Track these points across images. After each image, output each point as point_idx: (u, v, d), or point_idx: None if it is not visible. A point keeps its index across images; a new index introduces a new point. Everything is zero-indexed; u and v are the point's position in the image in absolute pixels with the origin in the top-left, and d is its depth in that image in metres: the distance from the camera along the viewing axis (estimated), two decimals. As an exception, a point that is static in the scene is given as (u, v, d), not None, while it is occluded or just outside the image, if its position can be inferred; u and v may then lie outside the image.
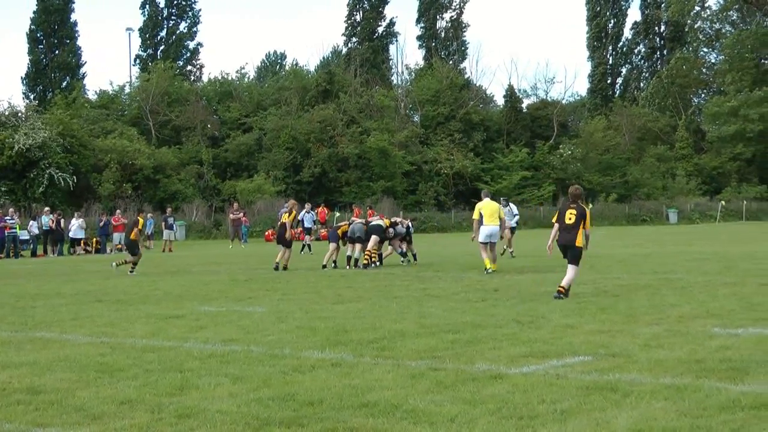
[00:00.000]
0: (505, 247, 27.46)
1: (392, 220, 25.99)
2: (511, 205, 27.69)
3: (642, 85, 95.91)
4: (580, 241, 15.66)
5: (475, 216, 21.89)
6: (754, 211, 69.40)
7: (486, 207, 21.88)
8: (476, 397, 7.56)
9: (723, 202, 68.35)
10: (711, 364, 8.79)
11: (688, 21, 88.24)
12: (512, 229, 27.54)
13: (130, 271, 23.99)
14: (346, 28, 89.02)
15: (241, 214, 46.41)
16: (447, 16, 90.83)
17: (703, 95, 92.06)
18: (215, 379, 8.57)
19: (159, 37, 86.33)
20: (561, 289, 15.30)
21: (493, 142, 74.75)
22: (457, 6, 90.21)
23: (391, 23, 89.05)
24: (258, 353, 10.03)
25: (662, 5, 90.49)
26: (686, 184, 74.34)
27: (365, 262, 24.24)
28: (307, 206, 38.15)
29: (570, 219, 15.75)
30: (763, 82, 78.26)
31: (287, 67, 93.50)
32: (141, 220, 25.46)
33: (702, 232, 47.55)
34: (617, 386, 7.83)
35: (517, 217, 29.76)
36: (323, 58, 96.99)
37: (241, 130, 69.01)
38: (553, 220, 16.35)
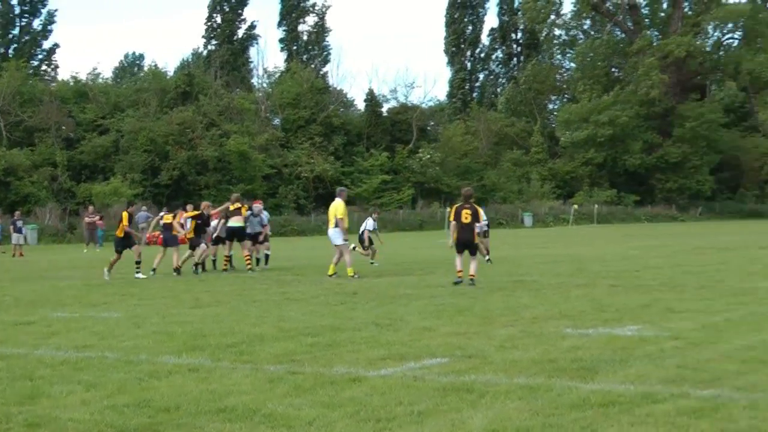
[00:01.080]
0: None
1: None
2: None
3: (499, 90, 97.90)
4: (476, 237, 18.56)
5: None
6: (604, 214, 71.63)
7: (330, 208, 21.61)
8: (334, 400, 7.57)
9: (576, 206, 70.25)
10: (563, 364, 9.03)
11: (544, 29, 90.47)
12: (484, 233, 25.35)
13: None
14: (206, 30, 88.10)
15: (97, 218, 45.30)
16: (309, 20, 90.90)
17: (557, 101, 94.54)
18: (68, 386, 8.34)
19: (11, 36, 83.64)
20: (472, 276, 17.86)
21: (353, 145, 75.00)
22: (319, 10, 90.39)
23: (252, 26, 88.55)
24: (113, 359, 9.82)
25: (519, 12, 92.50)
26: (541, 188, 76.15)
27: (224, 267, 24.05)
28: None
29: (466, 218, 18.12)
30: (613, 89, 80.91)
31: (146, 69, 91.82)
32: None
33: (555, 235, 48.80)
34: (473, 387, 7.96)
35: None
36: (183, 60, 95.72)
37: (98, 131, 67.31)
38: (451, 219, 18.60)
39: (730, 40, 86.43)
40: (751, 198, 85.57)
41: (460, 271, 18.38)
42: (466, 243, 18.27)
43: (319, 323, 12.51)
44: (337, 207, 21.03)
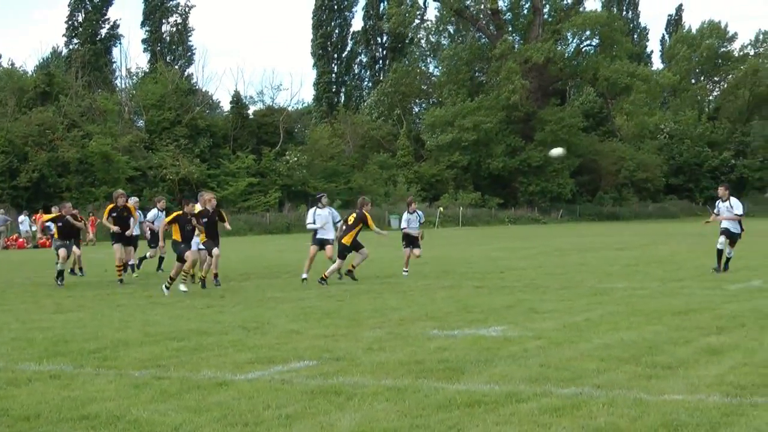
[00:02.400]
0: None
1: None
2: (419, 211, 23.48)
3: (365, 94, 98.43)
4: (348, 240, 19.51)
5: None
6: (469, 217, 72.75)
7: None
8: (201, 405, 7.49)
9: (441, 209, 71.08)
10: (430, 365, 9.14)
11: (409, 33, 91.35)
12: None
13: None
14: (67, 29, 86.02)
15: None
16: (172, 20, 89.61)
17: (423, 105, 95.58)
18: None
19: None
20: (324, 276, 18.85)
21: (219, 148, 74.22)
22: (182, 10, 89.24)
23: (115, 26, 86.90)
24: (-31, 368, 9.49)
25: (384, 16, 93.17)
26: (407, 191, 76.80)
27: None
28: (24, 213, 36.33)
29: (350, 221, 19.80)
30: (478, 93, 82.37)
31: (2, 67, 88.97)
32: None
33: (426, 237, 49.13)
34: (341, 389, 7.98)
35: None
36: (42, 59, 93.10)
37: (-49, 132, 64.99)
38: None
39: (588, 47, 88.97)
40: (609, 201, 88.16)
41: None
42: (340, 241, 19.76)
43: (186, 327, 12.36)
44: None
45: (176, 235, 18.19)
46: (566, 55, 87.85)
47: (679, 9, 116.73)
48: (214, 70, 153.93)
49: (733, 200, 20.85)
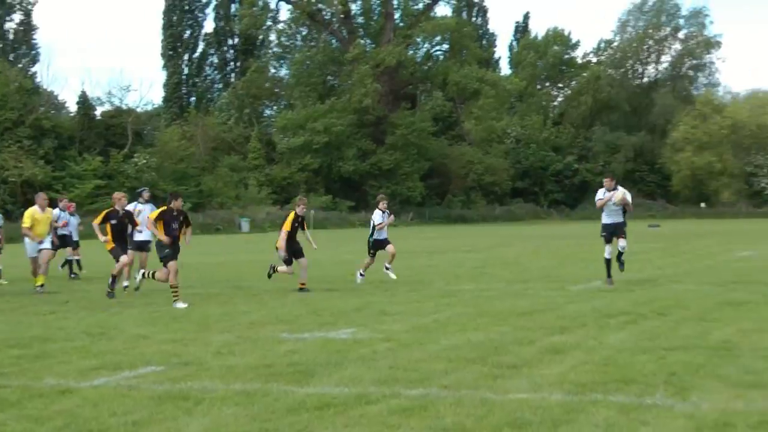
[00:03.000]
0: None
1: None
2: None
3: (216, 95, 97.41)
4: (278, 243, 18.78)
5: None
6: (320, 219, 72.76)
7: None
8: (43, 413, 7.29)
9: (292, 212, 70.88)
10: (279, 369, 9.12)
11: (260, 35, 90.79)
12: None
13: None
14: None
15: None
16: (15, 17, 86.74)
17: (275, 107, 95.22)
18: None
19: None
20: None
21: (65, 149, 72.21)
22: (25, 7, 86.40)
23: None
24: None
25: (236, 18, 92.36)
26: (258, 193, 76.41)
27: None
28: None
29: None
30: (329, 97, 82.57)
31: None
32: None
33: (273, 241, 48.91)
34: (189, 394, 7.89)
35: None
36: None
37: None
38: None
39: (439, 52, 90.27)
40: (458, 204, 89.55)
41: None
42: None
43: (28, 334, 11.98)
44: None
45: (161, 234, 16.05)
46: (417, 59, 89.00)
47: (527, 16, 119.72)
48: (60, 69, 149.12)
49: (622, 190, 18.88)
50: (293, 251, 18.79)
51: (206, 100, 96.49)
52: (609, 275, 18.51)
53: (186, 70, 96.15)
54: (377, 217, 21.26)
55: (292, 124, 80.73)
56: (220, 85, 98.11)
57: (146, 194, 19.69)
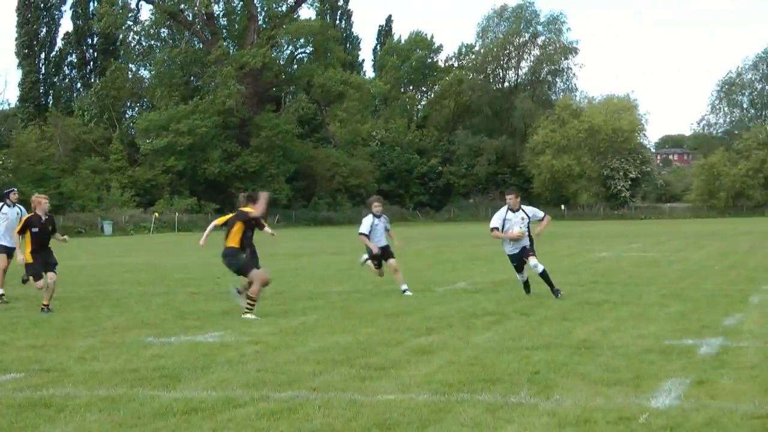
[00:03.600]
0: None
1: None
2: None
3: (75, 95, 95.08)
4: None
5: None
6: (185, 222, 71.83)
7: None
8: None
9: (156, 214, 69.85)
10: (145, 373, 8.98)
11: (120, 34, 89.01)
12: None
13: None
14: None
15: None
16: None
17: (137, 108, 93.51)
18: None
19: None
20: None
21: None
22: None
23: None
24: None
25: (94, 17, 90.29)
26: (121, 196, 74.93)
27: None
28: None
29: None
30: (193, 98, 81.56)
31: None
32: None
33: (136, 244, 48.22)
34: (51, 401, 7.69)
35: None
36: None
37: None
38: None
39: (303, 55, 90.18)
40: (324, 206, 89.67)
41: None
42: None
43: None
44: None
45: (233, 242, 14.14)
46: (281, 61, 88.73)
47: (389, 20, 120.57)
48: None
49: (528, 209, 16.62)
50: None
51: (65, 99, 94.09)
52: (552, 289, 15.88)
53: (43, 69, 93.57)
54: (365, 225, 17.84)
55: (154, 126, 79.41)
56: (80, 85, 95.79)
57: (14, 196, 17.62)
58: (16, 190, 18.31)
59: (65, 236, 15.89)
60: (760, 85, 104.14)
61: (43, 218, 15.40)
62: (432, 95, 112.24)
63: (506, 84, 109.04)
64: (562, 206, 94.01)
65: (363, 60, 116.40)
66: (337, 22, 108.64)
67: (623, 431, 6.53)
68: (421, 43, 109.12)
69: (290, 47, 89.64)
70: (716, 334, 11.08)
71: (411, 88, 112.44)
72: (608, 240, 39.68)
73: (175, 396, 7.88)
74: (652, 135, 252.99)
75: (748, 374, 8.49)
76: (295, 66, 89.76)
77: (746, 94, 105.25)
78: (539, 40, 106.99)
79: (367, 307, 14.71)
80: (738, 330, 11.45)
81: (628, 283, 18.00)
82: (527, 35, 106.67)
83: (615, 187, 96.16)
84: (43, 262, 15.08)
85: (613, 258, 27.03)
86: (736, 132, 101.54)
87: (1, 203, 17.47)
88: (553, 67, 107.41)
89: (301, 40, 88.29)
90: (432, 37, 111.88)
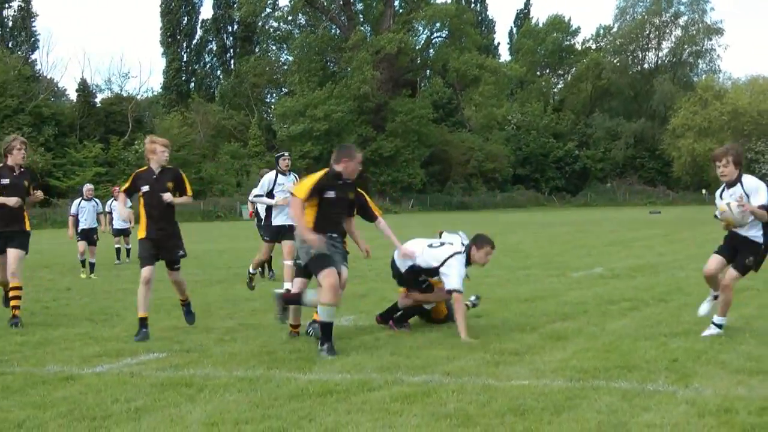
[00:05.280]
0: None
1: None
2: None
3: (216, 82, 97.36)
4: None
5: None
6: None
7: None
8: (46, 400, 7.29)
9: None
10: (282, 355, 9.13)
11: (260, 21, 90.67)
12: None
13: None
14: None
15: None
16: (14, 4, 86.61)
17: (275, 94, 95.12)
18: None
19: None
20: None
21: (65, 137, 72.30)
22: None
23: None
24: None
25: (234, 4, 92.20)
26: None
27: None
28: None
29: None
30: (329, 83, 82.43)
31: None
32: None
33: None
34: (192, 381, 7.89)
35: None
36: None
37: None
38: None
39: (439, 39, 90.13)
40: (459, 191, 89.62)
41: None
42: None
43: (30, 321, 11.98)
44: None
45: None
46: (417, 46, 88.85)
47: (528, 3, 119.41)
48: (60, 56, 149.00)
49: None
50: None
51: (206, 86, 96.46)
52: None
53: (185, 57, 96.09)
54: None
55: (291, 111, 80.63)
56: (220, 72, 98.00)
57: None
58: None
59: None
60: None
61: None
62: (569, 78, 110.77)
63: (645, 66, 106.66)
64: (703, 191, 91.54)
65: (498, 43, 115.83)
66: (473, 5, 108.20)
67: (766, 422, 6.31)
68: (558, 25, 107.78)
69: (426, 31, 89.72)
70: None
71: (547, 71, 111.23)
72: (752, 225, 38.48)
73: (310, 378, 7.99)
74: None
75: None
76: (431, 50, 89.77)
77: None
78: (681, 21, 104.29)
79: (501, 292, 14.63)
80: None
81: (772, 270, 17.45)
82: (668, 15, 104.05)
83: (759, 170, 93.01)
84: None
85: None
86: None
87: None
88: (695, 48, 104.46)
89: (437, 24, 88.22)
90: (569, 19, 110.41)
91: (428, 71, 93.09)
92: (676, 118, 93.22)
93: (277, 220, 14.59)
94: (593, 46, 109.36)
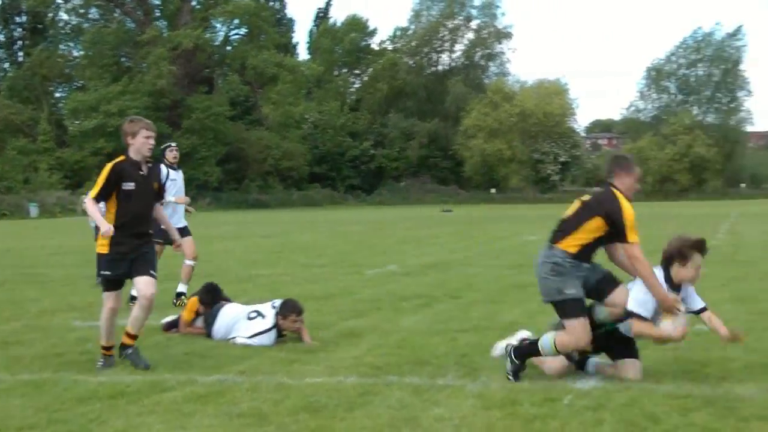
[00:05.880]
0: None
1: None
2: None
3: (3, 75, 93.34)
4: None
5: None
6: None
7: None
8: None
9: (84, 197, 68.92)
10: (71, 357, 8.90)
11: (50, 13, 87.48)
12: None
13: None
14: None
15: None
16: None
17: (65, 89, 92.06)
18: None
19: None
20: None
21: None
22: None
23: None
24: None
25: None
26: (48, 177, 73.79)
27: None
28: None
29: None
30: (123, 78, 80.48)
31: None
32: None
33: (63, 226, 47.52)
34: (-27, 387, 7.57)
35: None
36: None
37: None
38: None
39: (237, 36, 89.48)
40: (255, 189, 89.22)
41: None
42: None
43: None
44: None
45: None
46: (215, 42, 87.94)
47: (328, 3, 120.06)
48: None
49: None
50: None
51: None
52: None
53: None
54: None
55: (83, 107, 78.23)
56: (8, 65, 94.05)
57: None
58: None
59: None
60: (687, 71, 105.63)
61: None
62: (365, 78, 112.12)
63: (439, 67, 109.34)
64: (493, 190, 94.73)
65: (297, 42, 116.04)
66: (272, 3, 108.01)
67: (548, 412, 6.61)
68: (356, 26, 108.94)
69: (224, 28, 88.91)
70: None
71: (345, 70, 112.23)
72: (537, 223, 40.04)
73: (100, 380, 7.81)
74: (582, 119, 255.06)
75: (670, 355, 8.65)
76: (229, 47, 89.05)
77: (673, 79, 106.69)
78: (473, 24, 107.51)
79: (295, 290, 14.66)
80: (662, 313, 11.62)
81: (556, 267, 18.15)
82: (460, 19, 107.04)
83: (545, 170, 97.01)
84: None
85: (541, 241, 27.25)
86: (664, 117, 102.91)
87: None
88: (486, 51, 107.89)
89: (235, 21, 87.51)
90: (367, 20, 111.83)
91: (226, 68, 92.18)
92: (468, 119, 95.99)
93: (172, 222, 11.96)
94: (390, 47, 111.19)
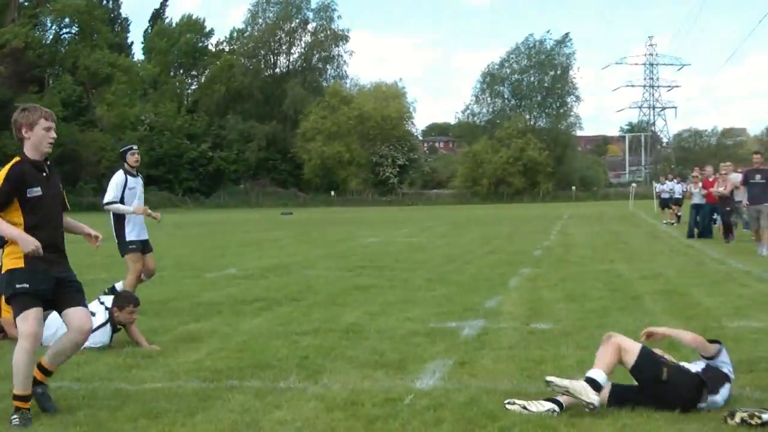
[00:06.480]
0: None
1: None
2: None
3: None
4: None
5: None
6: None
7: None
8: None
9: None
10: None
11: None
12: None
13: None
14: None
15: None
16: None
17: None
18: None
19: None
20: None
21: None
22: None
23: None
24: None
25: None
26: None
27: None
28: None
29: None
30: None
31: None
32: None
33: None
34: None
35: None
36: None
37: None
38: None
39: (68, 35, 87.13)
40: (90, 191, 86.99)
41: None
42: None
43: None
44: None
45: None
46: (45, 41, 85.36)
47: (164, 3, 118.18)
48: None
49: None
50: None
51: None
52: None
53: None
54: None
55: None
56: None
57: None
58: None
59: None
60: (519, 77, 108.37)
61: None
62: (203, 79, 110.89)
63: (277, 70, 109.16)
64: (332, 192, 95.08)
65: (132, 42, 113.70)
66: (105, 2, 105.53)
67: (389, 412, 6.68)
68: (192, 26, 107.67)
69: (54, 26, 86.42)
70: (478, 316, 11.50)
71: (181, 72, 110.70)
72: (377, 226, 40.46)
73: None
74: (419, 123, 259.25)
75: (507, 354, 8.87)
76: (61, 46, 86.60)
77: (507, 84, 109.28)
78: (310, 27, 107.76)
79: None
80: (497, 312, 11.92)
81: (395, 268, 18.39)
82: (297, 21, 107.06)
83: (383, 173, 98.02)
84: None
85: (381, 243, 27.57)
86: (498, 121, 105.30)
87: None
88: (324, 54, 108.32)
89: (66, 20, 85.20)
90: (204, 20, 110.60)
91: (58, 68, 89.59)
92: (306, 122, 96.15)
93: (133, 235, 12.58)
94: (227, 49, 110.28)
